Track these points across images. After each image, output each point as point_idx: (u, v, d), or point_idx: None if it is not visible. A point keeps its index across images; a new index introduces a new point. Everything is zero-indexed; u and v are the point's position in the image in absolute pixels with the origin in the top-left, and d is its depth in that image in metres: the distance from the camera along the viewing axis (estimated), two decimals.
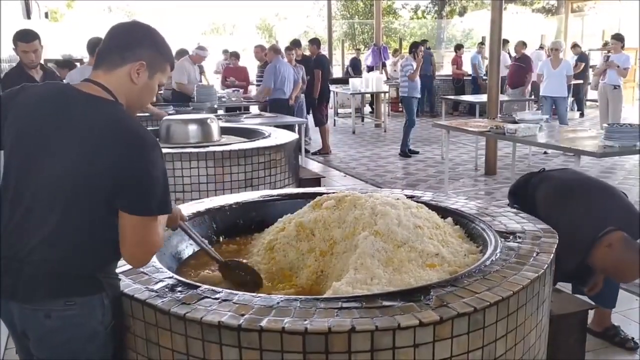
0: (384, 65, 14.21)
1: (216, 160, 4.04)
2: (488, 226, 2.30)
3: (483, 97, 8.88)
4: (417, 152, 9.19)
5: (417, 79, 8.89)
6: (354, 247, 2.07)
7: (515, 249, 2.03)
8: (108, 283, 1.68)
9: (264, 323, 1.50)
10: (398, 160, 8.83)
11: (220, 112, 7.42)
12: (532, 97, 10.29)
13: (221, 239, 2.57)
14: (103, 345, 1.67)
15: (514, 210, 2.54)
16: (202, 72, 9.23)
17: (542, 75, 8.88)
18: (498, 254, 1.98)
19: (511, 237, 2.16)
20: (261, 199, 2.82)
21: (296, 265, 2.21)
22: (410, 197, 2.66)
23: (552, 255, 1.99)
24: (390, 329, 1.49)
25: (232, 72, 10.42)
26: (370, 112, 14.10)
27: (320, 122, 9.27)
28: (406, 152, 8.99)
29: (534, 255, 1.98)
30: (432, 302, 1.61)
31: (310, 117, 9.43)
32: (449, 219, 2.44)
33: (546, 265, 1.90)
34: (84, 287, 1.62)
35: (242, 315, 1.54)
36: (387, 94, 12.89)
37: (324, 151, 9.29)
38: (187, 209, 2.60)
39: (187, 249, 2.35)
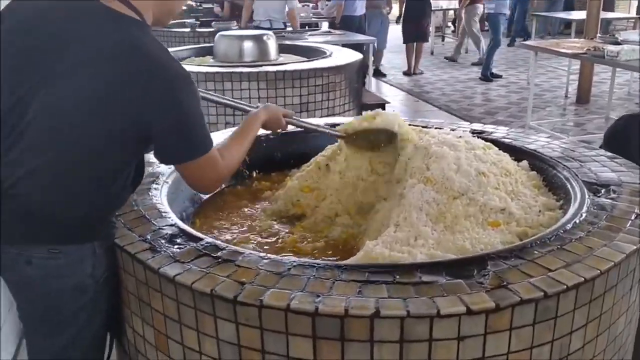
0: None
1: (269, 81, 3.70)
2: (573, 174, 1.84)
3: (581, 14, 7.85)
4: (500, 76, 8.40)
5: None
6: (398, 197, 1.70)
7: (608, 209, 1.58)
8: (103, 231, 1.42)
9: (265, 297, 1.18)
10: (478, 84, 8.11)
11: None
12: None
13: (254, 173, 2.26)
14: (92, 300, 1.43)
15: (610, 155, 2.04)
16: None
17: None
18: (584, 214, 1.55)
19: (603, 190, 1.70)
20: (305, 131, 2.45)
21: (332, 211, 1.87)
22: (479, 133, 2.21)
23: None
24: (427, 317, 1.14)
25: None
26: (453, 31, 13.08)
27: (405, 39, 8.61)
28: (488, 76, 8.23)
29: (632, 217, 1.53)
30: (487, 280, 1.23)
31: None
32: (524, 163, 1.98)
33: None
34: (72, 234, 1.37)
35: (242, 283, 1.24)
36: None
37: (407, 71, 8.70)
38: (218, 137, 2.29)
39: None
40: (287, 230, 1.81)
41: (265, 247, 1.69)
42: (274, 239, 1.75)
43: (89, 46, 1.28)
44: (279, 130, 1.81)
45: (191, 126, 1.34)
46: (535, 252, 1.35)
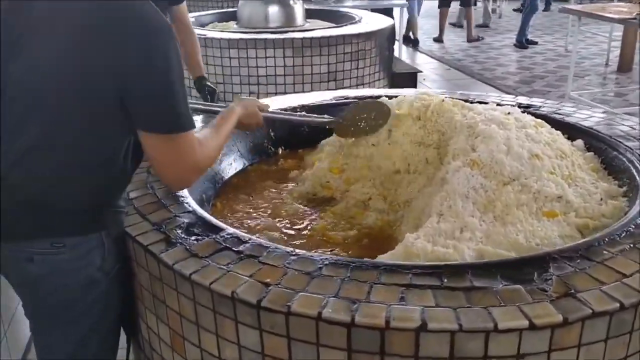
0: None
1: (295, 49, 3.50)
2: (638, 156, 1.64)
3: None
4: (536, 43, 8.02)
5: None
6: (440, 182, 1.52)
7: None
8: (110, 218, 1.27)
9: (293, 303, 1.03)
10: (512, 51, 7.75)
11: None
12: None
13: (280, 150, 2.10)
14: (104, 293, 1.30)
15: None
16: None
17: None
18: None
19: None
20: (334, 101, 2.27)
21: (365, 195, 1.70)
22: (526, 107, 2.01)
23: None
24: (482, 332, 0.97)
25: None
26: None
27: (440, 2, 8.24)
28: (523, 43, 7.86)
29: None
30: (551, 287, 1.06)
31: None
32: (579, 142, 1.78)
33: None
34: (77, 224, 1.22)
35: (267, 285, 1.08)
36: None
37: (439, 37, 8.36)
38: None
39: (229, 166, 1.89)
40: (316, 216, 1.65)
41: (293, 235, 1.54)
42: (301, 226, 1.59)
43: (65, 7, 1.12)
44: (255, 128, 1.66)
45: (173, 92, 1.13)
46: (605, 252, 1.17)
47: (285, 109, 2.16)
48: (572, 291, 1.04)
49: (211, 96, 2.19)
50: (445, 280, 1.08)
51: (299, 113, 1.90)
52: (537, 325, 0.97)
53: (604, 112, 2.10)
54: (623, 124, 1.89)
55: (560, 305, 1.01)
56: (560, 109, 2.06)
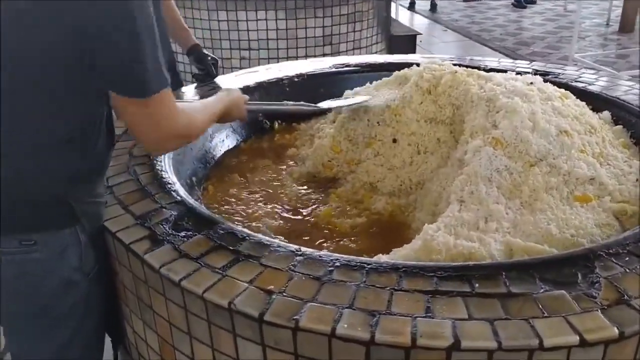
0: None
1: (288, 10, 3.29)
2: None
3: None
4: (534, 2, 7.77)
5: None
6: (457, 163, 1.36)
7: None
8: (85, 210, 1.10)
9: (302, 317, 0.88)
10: (510, 11, 7.52)
11: None
12: None
13: (276, 124, 1.92)
14: (84, 295, 1.15)
15: None
16: None
17: None
18: None
19: None
20: (333, 69, 2.09)
21: (373, 177, 1.54)
22: (543, 74, 1.84)
23: None
24: (525, 350, 0.83)
25: None
26: None
27: None
28: (521, 2, 7.62)
29: None
30: (599, 292, 0.92)
31: None
32: (606, 114, 1.62)
33: None
34: (47, 218, 1.06)
35: (270, 293, 0.93)
36: None
37: None
38: (233, 82, 1.95)
39: (221, 144, 1.72)
40: (319, 199, 1.49)
41: (295, 224, 1.38)
42: (304, 212, 1.43)
43: None
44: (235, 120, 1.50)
45: (142, 54, 0.97)
46: None
47: (282, 79, 1.99)
48: (625, 297, 0.90)
49: (215, 68, 1.96)
50: (477, 285, 0.94)
51: (286, 102, 1.70)
52: (588, 341, 0.83)
53: (629, 78, 1.93)
54: None
55: (612, 315, 0.87)
56: (580, 76, 1.90)
